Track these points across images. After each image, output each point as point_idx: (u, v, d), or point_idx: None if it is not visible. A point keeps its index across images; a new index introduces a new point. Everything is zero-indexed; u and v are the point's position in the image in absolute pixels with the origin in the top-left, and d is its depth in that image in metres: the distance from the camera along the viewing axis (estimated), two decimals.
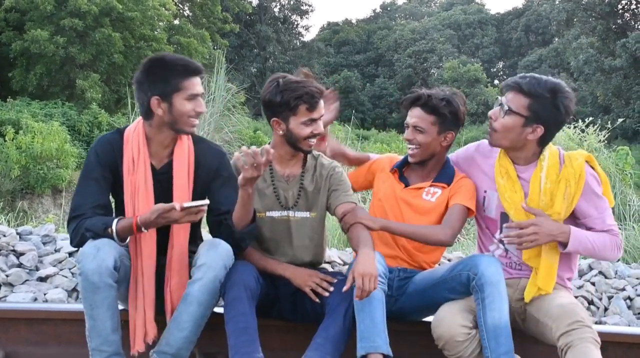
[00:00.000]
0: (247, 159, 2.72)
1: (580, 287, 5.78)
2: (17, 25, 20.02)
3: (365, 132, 26.61)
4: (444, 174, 3.33)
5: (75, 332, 3.21)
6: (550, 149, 3.09)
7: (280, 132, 3.10)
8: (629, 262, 6.96)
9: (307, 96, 3.00)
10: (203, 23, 27.12)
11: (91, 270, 2.69)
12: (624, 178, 9.27)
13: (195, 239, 3.17)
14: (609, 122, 10.25)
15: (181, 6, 28.66)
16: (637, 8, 37.20)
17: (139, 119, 3.06)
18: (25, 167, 12.29)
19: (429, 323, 2.98)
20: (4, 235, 5.29)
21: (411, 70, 48.84)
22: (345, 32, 55.64)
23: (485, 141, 3.23)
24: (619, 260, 6.93)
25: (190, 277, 2.89)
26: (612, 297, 5.75)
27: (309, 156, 3.25)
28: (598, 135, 9.44)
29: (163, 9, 22.00)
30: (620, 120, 15.61)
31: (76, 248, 3.34)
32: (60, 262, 5.17)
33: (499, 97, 3.10)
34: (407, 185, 3.34)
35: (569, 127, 9.51)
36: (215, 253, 2.85)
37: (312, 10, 52.42)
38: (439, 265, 3.73)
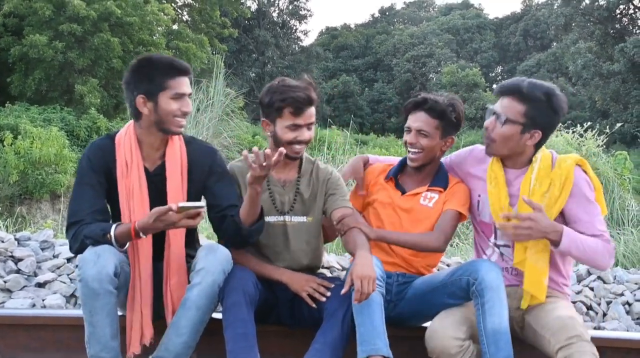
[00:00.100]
0: (255, 158, 2.74)
1: (579, 292, 5.78)
2: (15, 30, 20.01)
3: (364, 137, 26.61)
4: (440, 178, 3.34)
5: (74, 338, 3.21)
6: (543, 152, 3.09)
7: (268, 133, 3.13)
8: (628, 267, 6.97)
9: (292, 100, 3.01)
10: (202, 28, 27.12)
11: (91, 276, 2.69)
12: (623, 183, 9.29)
13: (193, 244, 3.18)
14: (608, 127, 10.29)
15: (180, 11, 28.69)
16: (635, 13, 37.26)
17: (129, 123, 3.08)
18: (23, 172, 12.28)
19: None
20: (2, 241, 5.29)
21: (410, 75, 48.85)
22: (343, 37, 55.67)
23: (479, 146, 3.24)
24: (617, 265, 6.93)
25: (189, 282, 2.89)
26: (610, 302, 5.75)
27: (305, 161, 3.25)
28: (596, 139, 9.46)
29: (162, 14, 21.98)
30: (618, 124, 15.68)
31: (75, 255, 3.34)
32: (58, 268, 5.16)
33: (491, 107, 3.09)
34: (404, 193, 3.34)
35: (568, 132, 9.52)
36: (214, 258, 2.85)
37: (310, 15, 52.45)
38: (438, 270, 3.74)
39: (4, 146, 12.45)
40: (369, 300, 2.79)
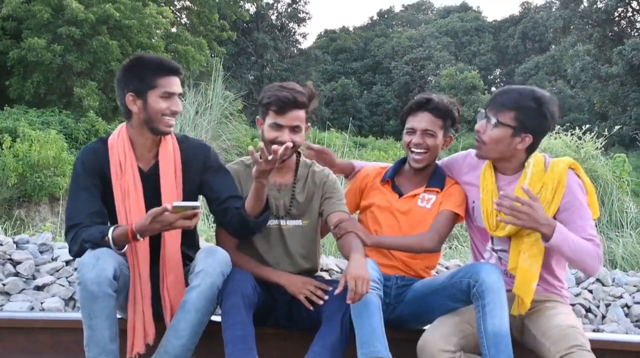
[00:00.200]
0: (262, 153, 2.76)
1: (577, 295, 5.78)
2: (14, 34, 19.98)
3: (362, 140, 26.59)
4: (436, 179, 3.35)
5: (72, 341, 3.21)
6: (536, 157, 3.08)
7: (260, 131, 3.18)
8: (627, 269, 6.98)
9: (276, 98, 3.05)
10: (200, 31, 27.11)
11: (90, 279, 2.69)
12: (621, 185, 9.29)
13: (193, 246, 3.18)
14: (606, 129, 10.27)
15: (178, 14, 28.67)
16: (633, 16, 37.32)
17: (121, 125, 3.11)
18: (22, 175, 12.26)
19: None
20: (1, 244, 5.29)
21: (408, 78, 48.88)
22: (342, 40, 55.74)
23: (473, 151, 3.25)
24: (616, 267, 6.93)
25: (187, 284, 2.89)
26: (609, 304, 5.75)
27: (301, 164, 3.27)
28: (595, 142, 9.46)
29: (160, 16, 21.95)
30: (617, 127, 15.69)
31: (74, 258, 3.34)
32: (57, 271, 5.16)
33: (483, 110, 3.11)
34: (401, 195, 3.35)
35: (566, 135, 9.53)
36: (213, 260, 2.86)
37: (309, 18, 52.59)
38: (437, 273, 3.74)
39: (2, 149, 12.44)
40: (367, 302, 2.79)
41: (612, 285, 6.00)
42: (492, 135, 3.02)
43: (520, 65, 51.19)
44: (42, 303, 4.83)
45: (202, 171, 3.09)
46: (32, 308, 4.76)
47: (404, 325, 3.22)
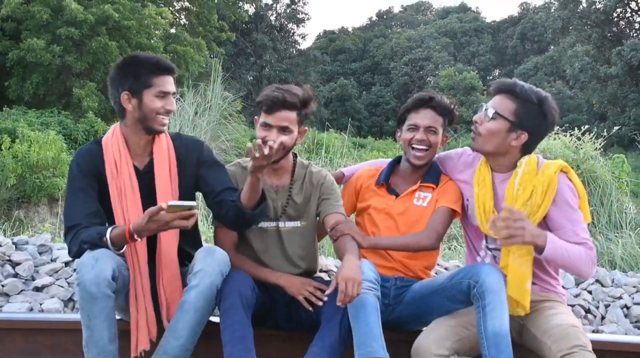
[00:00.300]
0: (258, 149, 2.77)
1: (577, 296, 5.78)
2: (13, 35, 19.97)
3: (361, 140, 26.56)
4: (431, 175, 3.36)
5: (71, 342, 3.21)
6: (529, 157, 3.08)
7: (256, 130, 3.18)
8: (626, 270, 6.98)
9: (266, 98, 3.07)
10: (199, 31, 27.10)
11: (89, 280, 2.69)
12: (620, 186, 9.29)
13: (195, 245, 3.18)
14: (605, 130, 10.26)
15: (177, 15, 28.66)
16: (632, 16, 37.32)
17: (114, 125, 3.12)
18: (21, 176, 12.24)
19: None
20: (0, 245, 5.28)
21: (407, 78, 48.86)
22: (341, 40, 55.73)
23: (469, 150, 3.24)
24: (615, 268, 6.93)
25: (185, 284, 2.89)
26: (609, 305, 5.76)
27: (298, 165, 3.27)
28: (594, 143, 9.45)
29: (159, 17, 21.94)
30: (616, 128, 15.69)
31: (73, 259, 3.34)
32: (56, 272, 5.15)
33: (483, 104, 3.11)
34: (397, 196, 3.34)
35: (565, 135, 9.52)
36: (212, 260, 2.86)
37: (308, 19, 52.51)
38: (436, 273, 3.74)
39: (1, 150, 12.42)
40: (364, 303, 2.80)
41: (612, 286, 6.00)
42: (488, 127, 3.03)
43: (519, 65, 51.16)
44: (41, 304, 4.83)
45: (196, 166, 3.10)
46: (31, 310, 4.76)
47: (403, 326, 3.22)
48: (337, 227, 3.09)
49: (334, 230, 3.09)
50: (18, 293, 4.92)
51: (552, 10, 43.41)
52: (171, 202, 2.71)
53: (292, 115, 3.08)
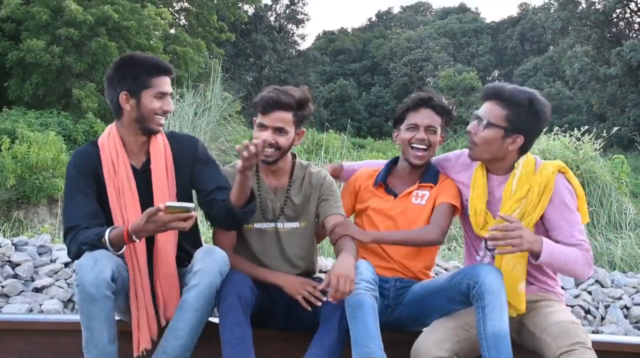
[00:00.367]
0: (245, 148, 2.79)
1: (577, 296, 5.78)
2: (13, 35, 19.97)
3: (361, 141, 26.58)
4: (429, 174, 3.35)
5: (71, 343, 3.21)
6: (527, 158, 3.08)
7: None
8: (626, 270, 6.97)
9: (261, 98, 3.08)
10: (199, 32, 27.10)
11: (88, 281, 2.69)
12: (620, 186, 9.29)
13: (196, 245, 3.18)
14: (605, 131, 10.26)
15: (177, 15, 28.65)
16: (631, 17, 37.34)
17: (110, 126, 3.13)
18: (20, 177, 12.24)
19: None
20: (0, 246, 5.28)
21: (407, 79, 48.86)
22: (341, 41, 55.73)
23: (467, 151, 3.25)
24: (615, 268, 6.93)
25: (184, 284, 2.90)
26: (608, 306, 5.75)
27: (297, 166, 3.27)
28: (594, 143, 9.45)
29: (159, 18, 21.94)
30: (615, 128, 15.66)
31: (73, 260, 3.34)
32: (56, 273, 5.15)
33: (474, 112, 3.11)
34: (395, 196, 3.34)
35: (565, 136, 9.52)
36: (211, 260, 2.86)
37: (307, 19, 52.51)
38: (435, 274, 3.74)
39: (1, 151, 12.41)
40: (362, 303, 2.80)
41: (611, 287, 6.00)
42: (483, 136, 3.02)
43: (519, 66, 51.19)
44: (40, 305, 4.83)
45: (192, 164, 3.11)
46: (30, 310, 4.76)
47: (403, 327, 3.22)
48: (335, 230, 3.10)
49: (332, 233, 3.10)
50: (18, 294, 4.92)
51: (552, 11, 43.41)
52: (169, 203, 2.70)
53: (288, 116, 3.08)
